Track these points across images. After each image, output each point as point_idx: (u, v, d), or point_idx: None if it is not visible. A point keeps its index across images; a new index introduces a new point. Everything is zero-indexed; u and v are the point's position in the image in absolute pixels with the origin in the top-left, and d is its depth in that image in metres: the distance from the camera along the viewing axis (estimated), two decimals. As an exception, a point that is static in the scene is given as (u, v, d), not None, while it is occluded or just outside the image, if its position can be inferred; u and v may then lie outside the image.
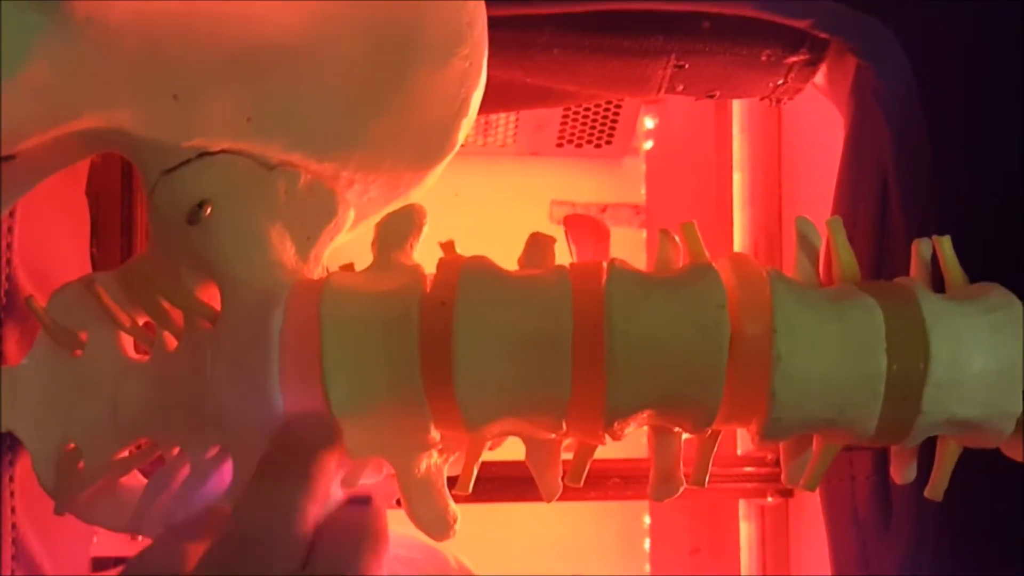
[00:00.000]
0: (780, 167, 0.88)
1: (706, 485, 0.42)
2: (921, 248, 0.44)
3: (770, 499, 0.90)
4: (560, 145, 1.12)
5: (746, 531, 0.95)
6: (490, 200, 1.07)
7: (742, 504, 0.95)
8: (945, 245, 0.43)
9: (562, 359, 0.39)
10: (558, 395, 0.39)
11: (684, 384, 0.39)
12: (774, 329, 0.39)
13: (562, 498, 0.85)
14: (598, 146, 1.12)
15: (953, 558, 0.47)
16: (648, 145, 1.11)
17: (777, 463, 0.89)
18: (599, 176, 1.16)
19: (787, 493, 0.89)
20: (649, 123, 1.09)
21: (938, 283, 0.43)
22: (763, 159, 0.89)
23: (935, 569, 0.47)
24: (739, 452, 0.94)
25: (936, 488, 0.43)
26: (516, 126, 1.08)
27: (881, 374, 0.39)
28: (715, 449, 0.42)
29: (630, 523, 1.22)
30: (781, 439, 0.41)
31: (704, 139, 0.96)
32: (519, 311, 0.40)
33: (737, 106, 0.91)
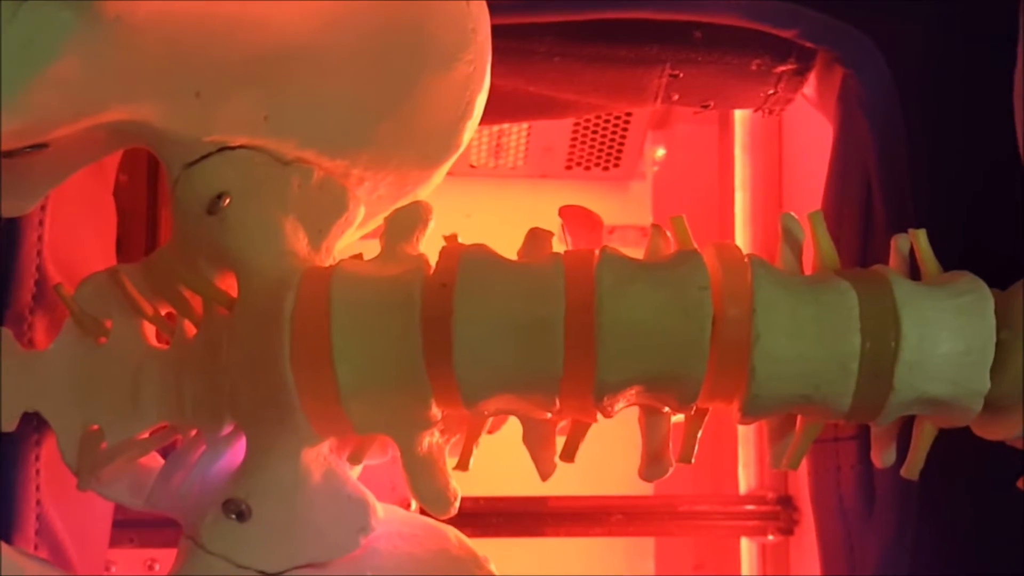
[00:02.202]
0: (781, 186, 0.91)
1: (692, 462, 0.44)
2: (899, 242, 0.46)
3: (771, 537, 0.91)
4: (569, 168, 1.15)
5: (747, 569, 0.97)
6: (501, 221, 1.09)
7: (744, 542, 0.97)
8: (921, 238, 0.45)
9: (555, 338, 0.41)
10: (551, 372, 0.42)
11: (669, 361, 0.41)
12: (754, 310, 0.41)
13: (567, 534, 0.87)
14: (606, 169, 1.15)
15: (933, 539, 0.49)
16: (655, 169, 1.14)
17: (778, 501, 0.91)
18: (607, 198, 1.19)
19: (788, 531, 0.91)
20: (656, 147, 1.12)
21: (916, 276, 0.46)
22: (764, 178, 0.92)
23: (916, 550, 0.49)
24: (741, 491, 0.96)
25: (912, 468, 0.45)
26: (526, 149, 1.11)
27: (855, 352, 0.41)
28: (701, 428, 0.45)
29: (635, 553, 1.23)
30: (761, 416, 0.44)
31: (708, 162, 0.99)
32: (515, 293, 0.42)
33: (739, 128, 0.94)
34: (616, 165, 1.15)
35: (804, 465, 0.54)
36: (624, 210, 1.18)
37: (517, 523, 0.87)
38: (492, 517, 0.86)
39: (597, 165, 1.15)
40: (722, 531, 0.93)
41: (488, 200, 1.13)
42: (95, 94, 0.42)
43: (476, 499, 0.85)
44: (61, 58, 0.40)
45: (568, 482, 0.95)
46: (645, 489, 1.13)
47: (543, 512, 0.87)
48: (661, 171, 1.13)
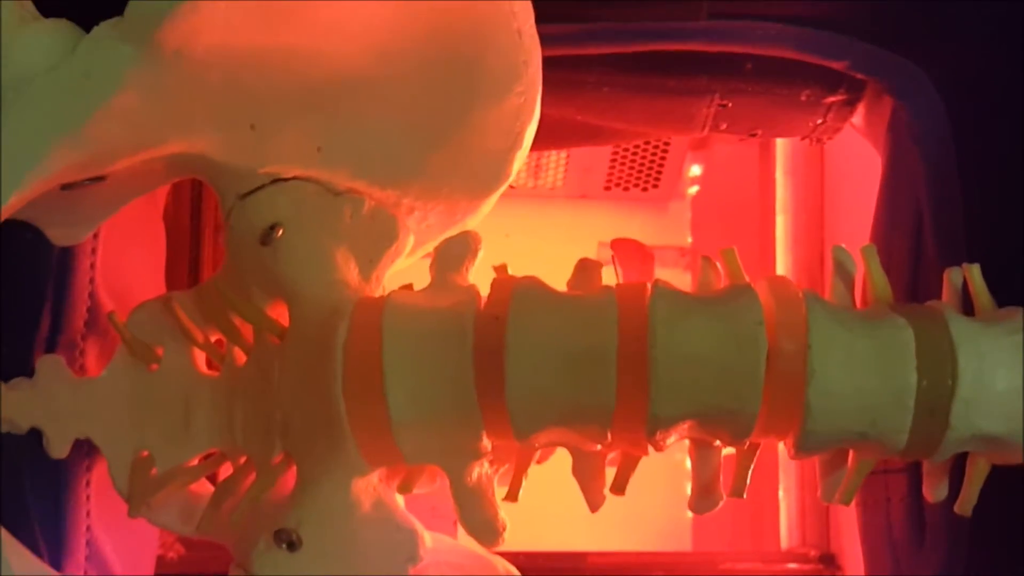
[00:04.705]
0: (823, 210, 0.90)
1: (744, 496, 0.44)
2: (952, 276, 0.46)
3: (813, 595, 0.90)
4: (608, 188, 1.15)
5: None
6: (539, 241, 1.09)
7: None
8: (974, 272, 0.45)
9: (607, 371, 0.41)
10: (603, 405, 0.42)
11: (723, 396, 0.41)
12: (809, 345, 0.41)
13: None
14: (645, 189, 1.15)
15: (985, 572, 0.49)
16: (694, 190, 1.14)
17: (821, 559, 0.90)
18: (645, 219, 1.18)
19: (830, 589, 0.90)
20: (695, 168, 1.12)
21: (968, 309, 0.45)
22: (806, 202, 0.91)
23: (968, 583, 0.49)
24: (783, 547, 0.94)
25: (965, 504, 0.45)
26: (565, 169, 1.11)
27: (911, 389, 0.41)
28: (753, 462, 0.44)
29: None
30: (815, 452, 0.43)
31: (749, 183, 0.99)
32: (568, 326, 0.42)
33: (781, 151, 0.93)
34: (655, 186, 1.15)
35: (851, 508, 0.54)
36: (663, 231, 1.18)
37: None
38: (530, 573, 0.85)
39: (636, 186, 1.15)
40: (763, 589, 0.92)
41: (527, 220, 1.14)
42: (154, 127, 0.42)
43: (516, 554, 0.84)
44: (121, 91, 0.41)
45: (606, 537, 0.95)
46: (683, 545, 1.12)
47: (582, 568, 0.87)
48: (700, 193, 1.13)
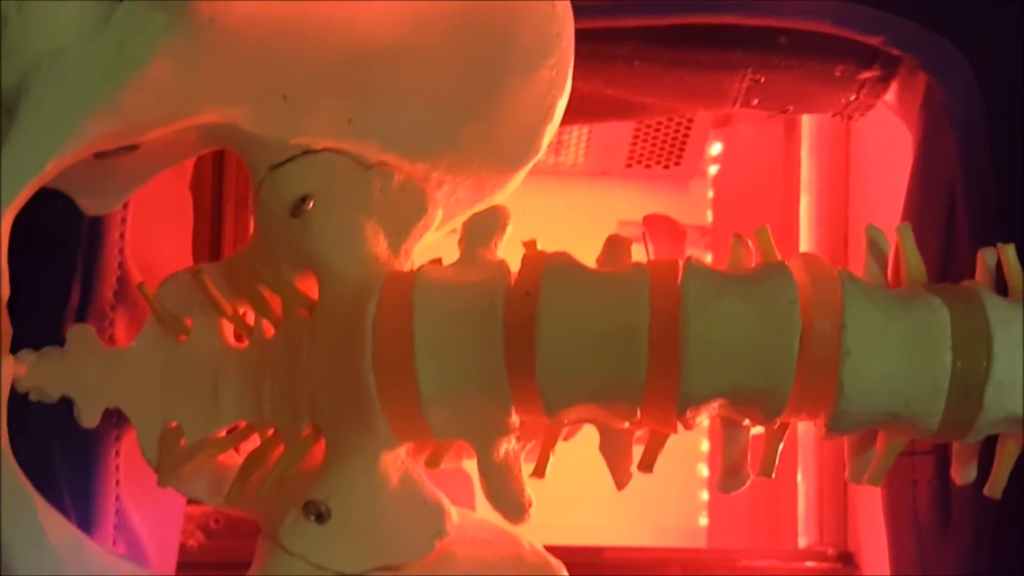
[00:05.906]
0: (848, 190, 0.90)
1: (773, 475, 0.44)
2: (986, 256, 0.45)
3: (830, 593, 0.90)
4: (629, 166, 1.14)
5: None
6: (559, 219, 1.09)
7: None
8: (1009, 252, 0.45)
9: (639, 349, 0.41)
10: (634, 383, 0.42)
11: (755, 376, 0.41)
12: (844, 325, 0.41)
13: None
14: (666, 167, 1.14)
15: (1011, 555, 0.49)
16: (715, 168, 1.13)
17: (839, 558, 0.89)
18: (667, 197, 1.18)
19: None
20: (717, 146, 1.11)
21: (1001, 290, 0.45)
22: (831, 182, 0.91)
23: (993, 566, 0.49)
24: (800, 545, 0.94)
25: (995, 486, 0.44)
26: (587, 146, 1.11)
27: (946, 371, 0.41)
28: (783, 442, 0.44)
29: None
30: (847, 432, 0.43)
31: (772, 161, 0.98)
32: (599, 303, 0.42)
33: (806, 129, 0.92)
34: (677, 164, 1.14)
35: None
36: (684, 209, 1.17)
37: (573, 574, 0.86)
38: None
39: (658, 163, 1.14)
40: (781, 588, 0.91)
41: (547, 197, 1.13)
42: (188, 96, 0.42)
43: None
44: (155, 60, 0.41)
45: (618, 532, 0.94)
46: (697, 542, 1.11)
47: (599, 563, 0.87)
48: (722, 171, 1.12)
